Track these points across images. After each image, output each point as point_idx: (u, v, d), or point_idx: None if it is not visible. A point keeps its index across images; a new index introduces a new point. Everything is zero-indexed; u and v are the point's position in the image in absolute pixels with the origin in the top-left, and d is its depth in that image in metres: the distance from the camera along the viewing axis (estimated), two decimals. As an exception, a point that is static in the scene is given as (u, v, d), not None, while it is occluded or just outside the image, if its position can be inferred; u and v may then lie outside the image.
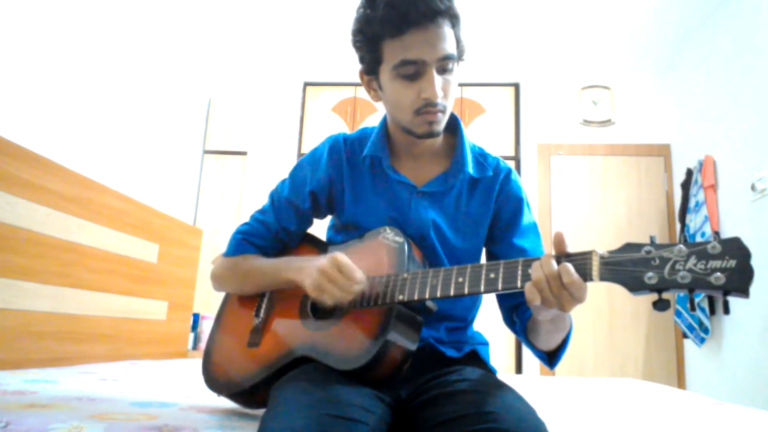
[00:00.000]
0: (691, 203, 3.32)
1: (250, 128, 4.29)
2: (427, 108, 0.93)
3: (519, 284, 0.77)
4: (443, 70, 0.93)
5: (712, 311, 3.09)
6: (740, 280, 0.63)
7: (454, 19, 0.93)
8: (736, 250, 0.64)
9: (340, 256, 0.87)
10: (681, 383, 3.53)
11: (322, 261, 0.87)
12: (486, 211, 1.06)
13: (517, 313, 1.03)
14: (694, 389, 3.34)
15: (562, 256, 0.76)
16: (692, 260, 0.67)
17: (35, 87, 2.60)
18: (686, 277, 0.66)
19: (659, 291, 0.68)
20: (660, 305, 0.68)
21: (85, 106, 2.95)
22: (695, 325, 3.20)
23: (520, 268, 0.78)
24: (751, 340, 2.76)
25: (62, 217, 1.86)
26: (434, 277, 0.84)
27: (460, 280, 0.82)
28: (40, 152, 1.83)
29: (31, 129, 2.56)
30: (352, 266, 0.87)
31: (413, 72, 0.92)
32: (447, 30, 0.92)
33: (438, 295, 0.82)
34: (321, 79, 4.28)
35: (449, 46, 0.92)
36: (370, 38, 0.94)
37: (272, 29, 3.76)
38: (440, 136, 1.03)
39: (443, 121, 0.97)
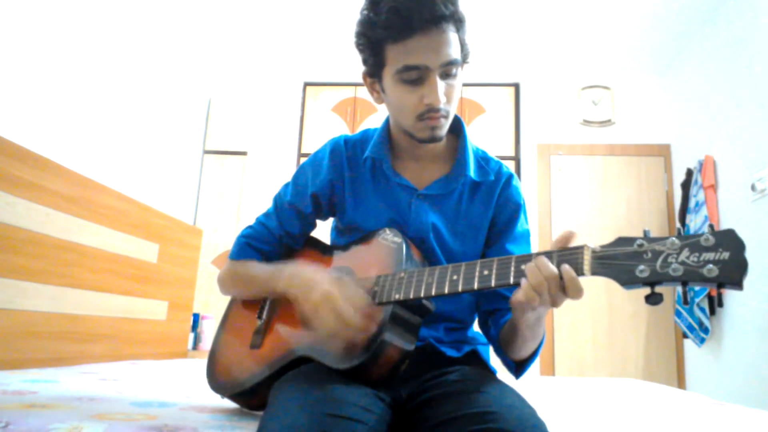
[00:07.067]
0: (691, 203, 3.31)
1: (250, 128, 4.28)
2: (430, 114, 0.92)
3: (512, 281, 0.77)
4: (446, 75, 0.92)
5: (712, 311, 3.09)
6: (734, 273, 0.62)
7: (458, 23, 0.91)
8: (730, 242, 0.63)
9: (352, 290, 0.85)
10: (681, 383, 3.53)
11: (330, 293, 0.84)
12: (486, 215, 1.05)
13: (492, 318, 1.03)
14: (694, 389, 3.34)
15: (553, 251, 0.75)
16: (685, 253, 0.65)
17: (35, 87, 2.60)
18: (678, 269, 0.65)
19: (651, 284, 0.68)
20: (652, 299, 0.67)
21: (86, 106, 2.95)
22: (695, 325, 3.20)
23: (513, 265, 0.78)
24: (751, 340, 2.76)
25: (62, 217, 1.86)
26: (429, 275, 0.84)
27: (455, 277, 0.81)
28: (40, 152, 1.83)
29: (31, 129, 2.56)
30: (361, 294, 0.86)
31: (416, 77, 0.91)
32: (451, 35, 0.90)
33: (433, 293, 0.82)
34: (321, 79, 4.28)
35: (453, 51, 0.91)
36: (373, 42, 0.93)
37: (272, 29, 3.76)
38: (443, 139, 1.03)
39: (446, 126, 0.97)
